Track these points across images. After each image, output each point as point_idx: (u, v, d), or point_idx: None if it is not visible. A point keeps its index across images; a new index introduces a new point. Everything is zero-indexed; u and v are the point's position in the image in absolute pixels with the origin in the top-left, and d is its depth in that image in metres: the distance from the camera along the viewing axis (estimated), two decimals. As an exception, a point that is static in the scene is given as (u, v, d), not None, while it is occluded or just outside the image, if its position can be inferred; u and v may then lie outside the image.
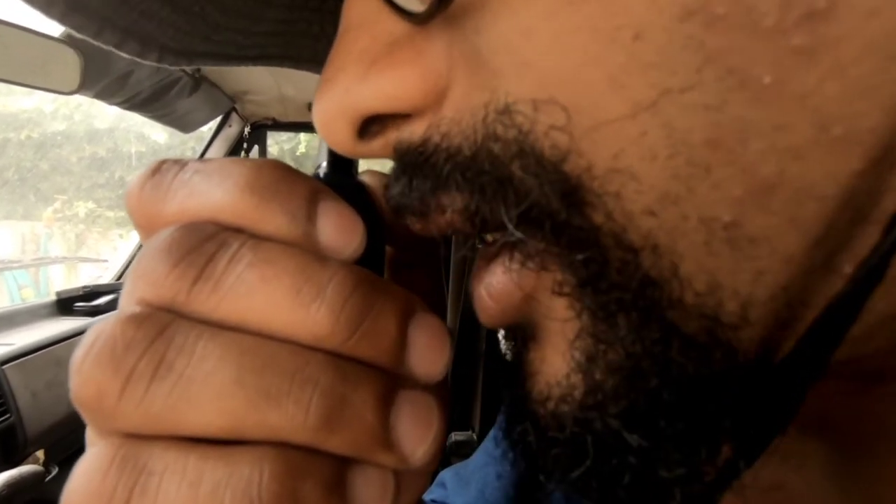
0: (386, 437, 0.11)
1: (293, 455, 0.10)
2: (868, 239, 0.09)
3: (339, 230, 0.12)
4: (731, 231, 0.09)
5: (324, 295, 0.11)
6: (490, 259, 0.13)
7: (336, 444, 0.11)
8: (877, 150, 0.08)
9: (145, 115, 1.18)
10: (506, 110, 0.10)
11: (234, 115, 1.43)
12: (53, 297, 1.26)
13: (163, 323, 0.10)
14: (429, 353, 0.12)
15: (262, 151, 1.51)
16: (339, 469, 0.11)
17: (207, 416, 0.10)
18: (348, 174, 0.16)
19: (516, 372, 0.13)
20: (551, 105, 0.10)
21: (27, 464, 0.92)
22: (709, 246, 0.10)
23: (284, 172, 0.12)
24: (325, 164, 0.16)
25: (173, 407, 0.10)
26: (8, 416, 0.90)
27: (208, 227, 0.11)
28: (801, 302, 0.10)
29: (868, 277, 0.09)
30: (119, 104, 1.07)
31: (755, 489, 0.16)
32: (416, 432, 0.11)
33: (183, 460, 0.10)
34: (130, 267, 0.12)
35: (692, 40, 0.08)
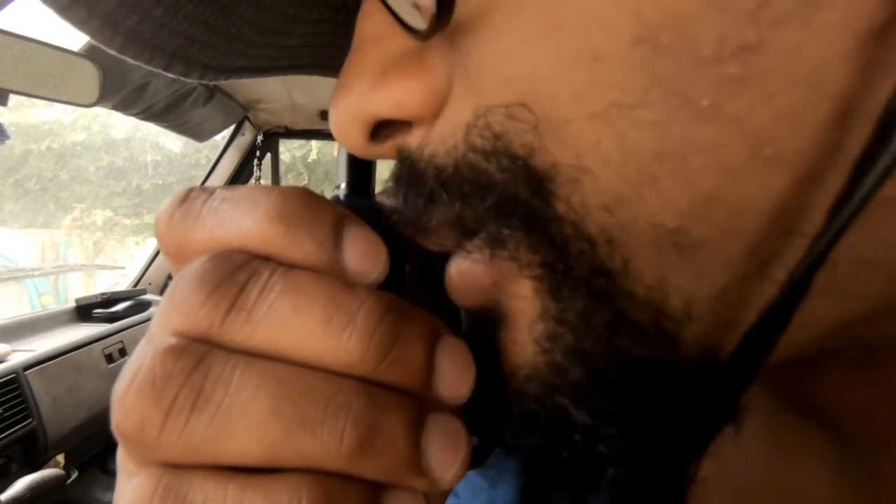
0: (417, 462, 0.11)
1: (329, 482, 0.11)
2: (797, 250, 0.10)
3: (364, 255, 0.12)
4: (677, 236, 0.10)
5: (354, 323, 0.11)
6: (468, 235, 0.14)
7: (370, 469, 0.11)
8: (803, 170, 0.09)
9: (161, 125, 1.21)
10: (484, 122, 0.11)
11: (246, 124, 1.45)
12: (73, 304, 1.29)
13: (199, 354, 0.11)
14: (455, 377, 0.12)
15: (275, 159, 1.53)
16: (372, 494, 0.11)
17: (245, 445, 0.10)
18: (367, 195, 0.17)
19: (488, 350, 0.14)
20: (521, 109, 0.11)
21: (48, 467, 0.94)
22: (657, 247, 0.11)
23: (310, 199, 0.12)
24: (343, 185, 0.16)
25: (212, 437, 0.10)
26: (30, 420, 0.92)
27: (238, 257, 0.12)
28: (740, 304, 0.11)
29: (796, 289, 0.09)
30: (135, 115, 1.10)
31: (758, 478, 0.16)
32: (446, 455, 0.12)
33: (223, 490, 0.10)
34: (164, 297, 0.12)
35: (642, 64, 0.09)
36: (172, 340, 0.11)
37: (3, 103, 0.65)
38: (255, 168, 1.48)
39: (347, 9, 0.22)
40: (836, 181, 0.09)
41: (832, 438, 0.15)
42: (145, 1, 0.17)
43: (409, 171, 0.13)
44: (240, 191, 0.12)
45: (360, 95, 0.13)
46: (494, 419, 0.13)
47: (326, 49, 0.24)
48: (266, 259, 0.12)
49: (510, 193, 0.11)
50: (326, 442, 0.10)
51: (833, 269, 0.10)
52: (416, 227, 0.14)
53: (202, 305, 0.11)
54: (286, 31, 0.22)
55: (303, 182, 5.06)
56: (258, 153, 1.48)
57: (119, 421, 0.11)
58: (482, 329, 0.14)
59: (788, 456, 0.16)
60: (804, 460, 0.15)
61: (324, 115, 1.40)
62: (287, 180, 4.90)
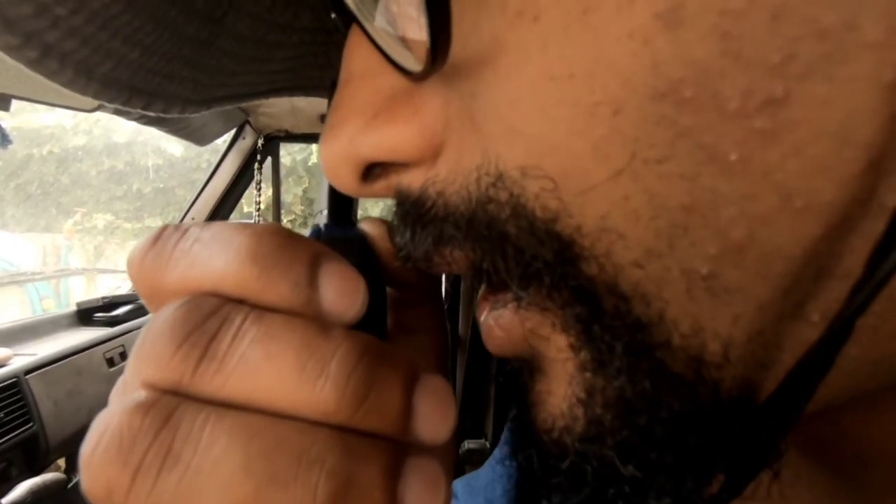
0: None
1: None
2: (832, 293, 0.10)
3: (341, 294, 0.12)
4: (709, 281, 0.10)
5: (328, 370, 0.11)
6: (497, 291, 0.13)
7: None
8: (834, 218, 0.09)
9: (162, 130, 1.21)
10: (497, 176, 0.11)
11: (247, 128, 1.46)
12: (74, 308, 1.29)
13: (168, 409, 0.10)
14: (434, 418, 0.12)
15: (276, 162, 1.53)
16: None
17: None
18: (348, 220, 0.17)
19: (523, 399, 0.14)
20: (539, 173, 0.11)
21: (49, 472, 0.94)
22: (690, 293, 0.10)
23: (284, 238, 0.12)
24: (325, 211, 0.16)
25: (182, 498, 0.10)
26: (31, 424, 0.92)
27: (210, 302, 0.11)
28: (776, 345, 0.10)
29: (837, 334, 0.09)
30: (137, 119, 1.10)
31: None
32: (423, 502, 0.11)
33: None
34: (135, 345, 0.12)
35: (665, 118, 0.09)
36: (142, 395, 0.11)
37: (5, 108, 0.66)
38: (255, 172, 1.49)
39: (326, 30, 0.22)
40: (871, 227, 0.09)
41: (820, 467, 0.14)
42: (120, 46, 0.16)
43: (415, 209, 0.13)
44: (212, 229, 0.12)
45: (350, 138, 0.13)
46: (538, 474, 0.13)
47: (307, 70, 0.24)
48: (240, 302, 0.11)
49: (533, 258, 0.11)
50: (300, 498, 0.10)
51: (868, 309, 0.09)
52: (426, 265, 0.13)
53: (172, 356, 0.11)
54: (266, 57, 0.22)
55: (303, 185, 5.07)
56: (259, 157, 1.48)
57: (87, 483, 0.10)
58: (516, 377, 0.14)
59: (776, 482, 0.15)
60: (791, 487, 0.15)
61: (324, 118, 1.40)
62: (288, 184, 4.90)
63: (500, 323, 0.13)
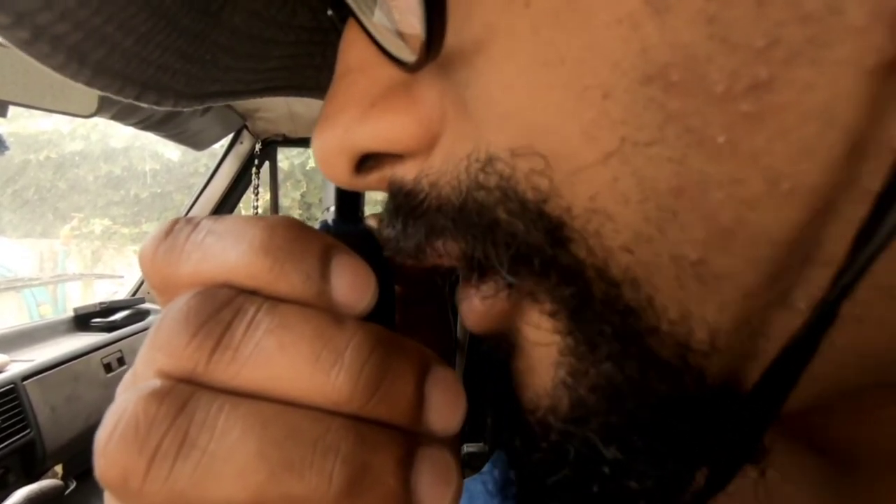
0: (408, 501, 0.11)
1: None
2: (817, 280, 0.10)
3: (352, 287, 0.12)
4: (698, 268, 0.10)
5: (342, 360, 0.11)
6: (485, 280, 0.13)
7: None
8: (818, 202, 0.09)
9: (159, 135, 1.21)
10: (486, 161, 0.11)
11: (245, 133, 1.46)
12: (71, 314, 1.28)
13: (184, 397, 0.10)
14: (445, 410, 0.12)
15: (273, 167, 1.54)
16: None
17: (232, 491, 0.10)
18: (356, 218, 0.17)
19: (504, 378, 0.14)
20: (529, 152, 0.11)
21: (46, 478, 0.93)
22: (679, 280, 0.10)
23: (297, 231, 0.12)
24: (333, 208, 0.17)
25: (198, 484, 0.10)
26: (28, 431, 0.92)
27: (224, 293, 0.11)
28: (762, 334, 0.11)
29: (820, 321, 0.09)
30: (134, 125, 1.10)
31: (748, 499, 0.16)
32: (436, 492, 0.11)
33: None
34: (148, 335, 0.12)
35: (654, 102, 0.09)
36: (157, 383, 0.11)
37: (2, 114, 0.66)
38: (253, 176, 1.49)
39: (323, 29, 0.22)
40: (853, 212, 0.09)
41: (825, 462, 0.14)
42: (115, 32, 0.16)
43: (407, 201, 0.13)
44: (225, 222, 0.12)
45: (346, 128, 0.13)
46: (522, 453, 0.13)
47: (303, 70, 0.24)
48: (253, 293, 0.12)
49: (523, 241, 0.11)
50: (315, 485, 0.10)
51: (852, 296, 0.09)
52: (417, 258, 0.13)
53: (187, 345, 0.11)
54: (262, 54, 0.22)
55: (301, 189, 5.07)
56: (256, 161, 1.48)
57: (102, 470, 0.10)
58: (497, 355, 0.14)
59: (781, 478, 0.15)
60: (796, 483, 0.15)
61: (322, 122, 1.40)
62: (286, 188, 4.90)
63: (475, 306, 0.13)
